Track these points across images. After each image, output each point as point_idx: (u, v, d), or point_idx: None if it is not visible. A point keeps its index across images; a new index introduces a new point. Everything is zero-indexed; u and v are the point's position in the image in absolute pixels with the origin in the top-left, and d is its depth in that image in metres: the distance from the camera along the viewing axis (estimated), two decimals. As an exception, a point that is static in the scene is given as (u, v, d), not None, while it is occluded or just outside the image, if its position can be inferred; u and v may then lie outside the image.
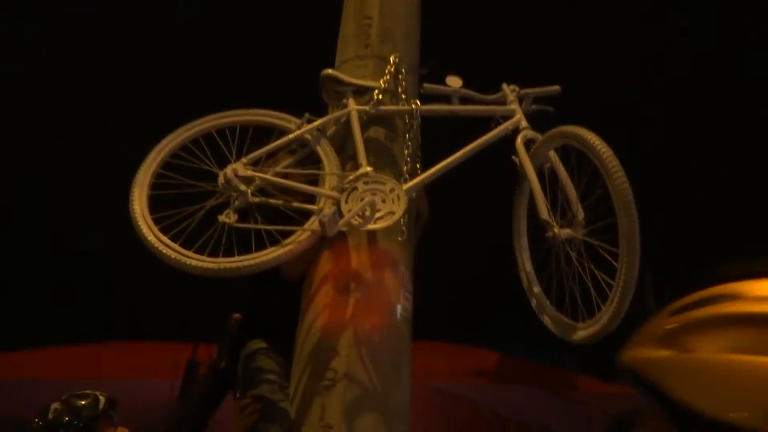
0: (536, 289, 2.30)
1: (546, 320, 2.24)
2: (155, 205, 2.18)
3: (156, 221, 2.11)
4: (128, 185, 2.23)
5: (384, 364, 2.02)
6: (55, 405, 2.24)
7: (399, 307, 2.14)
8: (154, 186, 2.21)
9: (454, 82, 2.50)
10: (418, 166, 2.37)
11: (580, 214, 2.08)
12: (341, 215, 2.04)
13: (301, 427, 1.91)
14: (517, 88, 2.50)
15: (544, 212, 2.11)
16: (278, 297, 2.23)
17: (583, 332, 2.03)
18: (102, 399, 2.28)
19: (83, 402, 2.25)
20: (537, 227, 2.23)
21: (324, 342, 2.04)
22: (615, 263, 1.87)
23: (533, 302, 2.31)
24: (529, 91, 2.49)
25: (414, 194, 2.27)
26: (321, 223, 1.92)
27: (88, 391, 2.32)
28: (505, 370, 5.34)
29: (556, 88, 2.50)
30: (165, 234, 2.07)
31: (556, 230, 2.10)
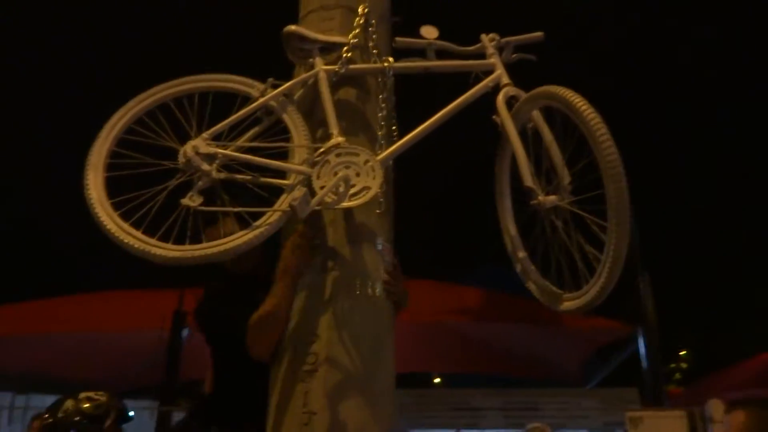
0: (521, 254, 2.22)
1: (531, 287, 2.17)
2: (113, 187, 2.02)
3: (115, 206, 1.96)
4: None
5: (366, 345, 1.95)
6: (67, 404, 2.19)
7: (380, 284, 2.05)
8: (110, 167, 2.04)
9: (429, 32, 2.31)
10: (393, 128, 2.22)
11: (566, 179, 1.97)
12: (313, 192, 1.91)
13: (283, 416, 1.86)
14: (497, 37, 2.32)
15: (527, 178, 1.99)
16: (247, 381, 2.05)
17: (569, 303, 1.97)
18: (113, 414, 2.22)
19: (92, 409, 2.18)
20: (521, 189, 2.12)
21: (303, 325, 1.96)
22: (603, 236, 1.78)
23: (518, 267, 2.23)
24: (510, 39, 2.32)
25: (390, 162, 2.14)
26: (291, 206, 1.79)
27: (104, 399, 2.23)
28: (490, 305, 5.39)
29: (539, 34, 2.32)
30: (126, 220, 1.93)
31: (540, 198, 1.99)
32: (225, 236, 1.88)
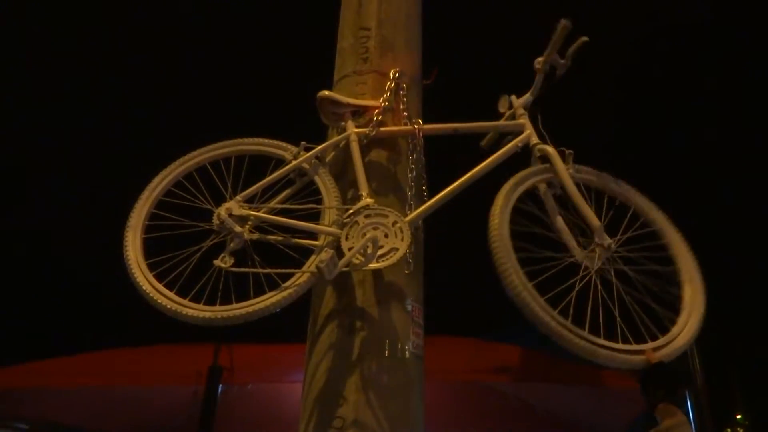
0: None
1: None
2: (150, 246, 2.09)
3: (151, 267, 2.02)
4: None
5: (394, 407, 1.92)
6: None
7: (409, 345, 2.03)
8: (148, 228, 2.12)
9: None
10: (423, 188, 2.25)
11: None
12: (342, 253, 1.93)
13: (309, 483, 1.83)
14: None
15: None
16: None
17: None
18: None
19: None
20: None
21: (330, 387, 1.94)
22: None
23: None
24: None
25: (420, 223, 2.15)
26: (319, 268, 1.81)
27: None
28: (529, 364, 5.23)
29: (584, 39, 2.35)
30: (160, 280, 1.99)
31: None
32: None
